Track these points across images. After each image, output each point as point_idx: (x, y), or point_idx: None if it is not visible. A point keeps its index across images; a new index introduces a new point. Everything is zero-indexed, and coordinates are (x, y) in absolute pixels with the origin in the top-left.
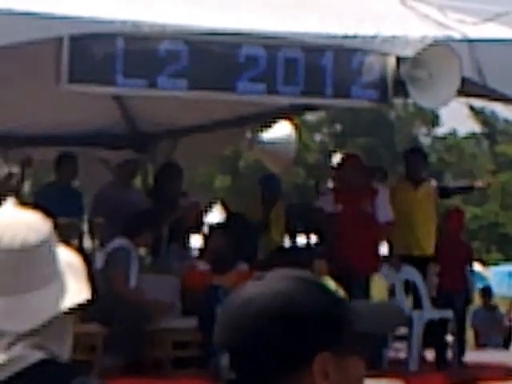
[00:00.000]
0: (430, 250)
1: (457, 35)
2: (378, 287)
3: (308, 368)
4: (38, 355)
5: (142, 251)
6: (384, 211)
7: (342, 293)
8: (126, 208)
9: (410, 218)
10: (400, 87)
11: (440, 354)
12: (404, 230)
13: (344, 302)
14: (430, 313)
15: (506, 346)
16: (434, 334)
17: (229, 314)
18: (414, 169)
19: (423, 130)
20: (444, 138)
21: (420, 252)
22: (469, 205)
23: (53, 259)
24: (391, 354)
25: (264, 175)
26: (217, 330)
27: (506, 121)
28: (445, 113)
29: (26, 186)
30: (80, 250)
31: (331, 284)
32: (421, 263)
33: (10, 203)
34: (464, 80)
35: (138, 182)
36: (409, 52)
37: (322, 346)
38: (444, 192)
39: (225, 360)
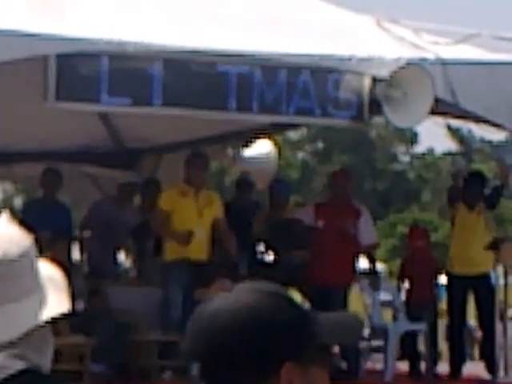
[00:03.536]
0: (486, 266)
1: (430, 56)
2: (355, 301)
3: (275, 379)
4: (19, 365)
5: (128, 264)
6: (367, 233)
7: (307, 305)
8: (117, 225)
9: (466, 239)
10: (375, 106)
11: (414, 366)
12: (459, 252)
13: (309, 314)
14: (405, 325)
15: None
16: (407, 345)
17: (198, 326)
18: (471, 193)
19: (402, 148)
20: (422, 156)
21: (476, 270)
22: (446, 221)
23: (33, 272)
24: (368, 365)
25: (273, 180)
26: (186, 340)
27: (482, 140)
28: (423, 132)
29: (18, 201)
30: (67, 263)
31: (297, 296)
32: (477, 281)
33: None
34: (437, 100)
35: None
36: (384, 72)
37: (287, 357)
38: (489, 203)
39: (195, 370)
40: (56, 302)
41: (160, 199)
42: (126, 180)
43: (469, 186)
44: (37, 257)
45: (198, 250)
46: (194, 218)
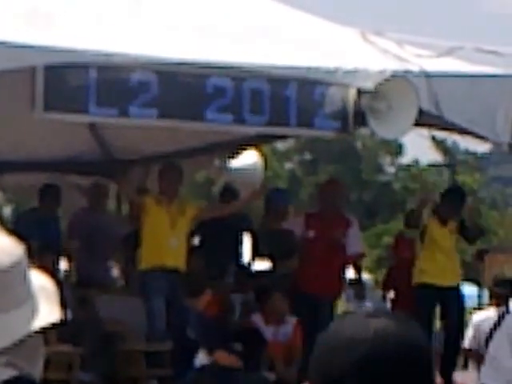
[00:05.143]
0: (453, 280)
1: (415, 69)
2: (341, 310)
3: None
4: (9, 372)
5: (116, 273)
6: (354, 244)
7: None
8: (98, 232)
9: (436, 253)
10: (360, 118)
11: None
12: (429, 265)
13: None
14: None
15: (465, 366)
16: None
17: (359, 351)
18: (447, 207)
19: (388, 159)
20: (407, 168)
21: (446, 282)
22: None
23: (25, 281)
24: None
25: (270, 189)
26: (348, 362)
27: (466, 151)
28: (408, 143)
29: (7, 211)
30: (55, 272)
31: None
32: (446, 292)
33: None
34: (422, 112)
35: (113, 207)
36: (369, 84)
37: None
38: (465, 235)
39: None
40: (47, 311)
41: (140, 205)
42: (95, 181)
43: (446, 199)
44: (29, 266)
45: (174, 258)
46: (167, 229)
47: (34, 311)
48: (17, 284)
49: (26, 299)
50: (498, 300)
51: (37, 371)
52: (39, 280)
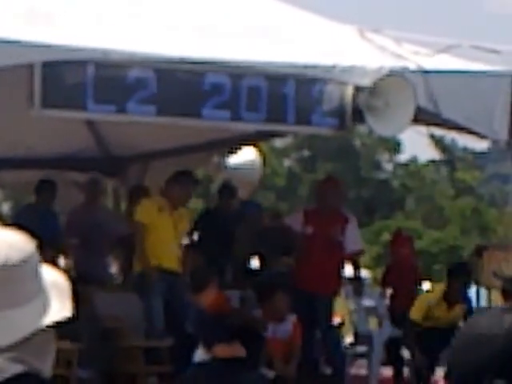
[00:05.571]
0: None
1: (412, 66)
2: (340, 307)
3: None
4: (17, 368)
5: (114, 270)
6: (352, 241)
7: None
8: (95, 229)
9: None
10: (358, 115)
11: (398, 371)
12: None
13: None
14: (389, 331)
15: None
16: (391, 351)
17: (492, 346)
18: (454, 290)
19: (386, 156)
20: (406, 165)
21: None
22: (430, 229)
23: (35, 277)
24: (353, 370)
25: (243, 201)
26: (480, 358)
27: (465, 148)
28: (406, 140)
29: (6, 207)
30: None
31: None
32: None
33: None
34: (419, 109)
35: (110, 205)
36: (366, 82)
37: None
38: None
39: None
40: (58, 307)
41: (139, 212)
42: (90, 178)
43: (451, 281)
44: (39, 262)
45: (172, 261)
46: (171, 233)
47: (45, 307)
48: (27, 279)
49: (37, 295)
50: (506, 297)
51: (47, 367)
52: (51, 276)
